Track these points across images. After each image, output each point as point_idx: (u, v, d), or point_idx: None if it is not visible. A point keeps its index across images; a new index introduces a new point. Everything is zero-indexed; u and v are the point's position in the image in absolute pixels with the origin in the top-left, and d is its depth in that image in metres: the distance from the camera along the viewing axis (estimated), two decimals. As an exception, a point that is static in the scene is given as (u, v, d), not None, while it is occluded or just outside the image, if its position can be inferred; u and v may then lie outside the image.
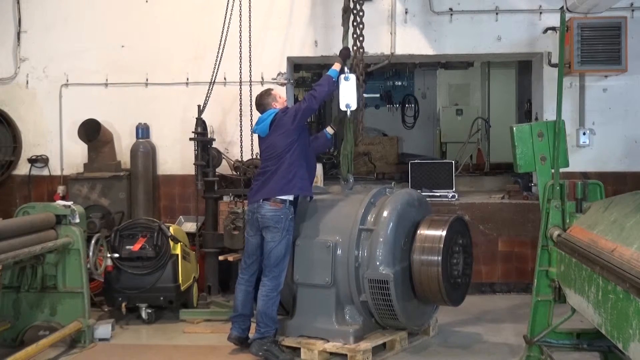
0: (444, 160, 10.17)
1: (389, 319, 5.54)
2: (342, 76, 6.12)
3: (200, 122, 7.09)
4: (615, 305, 3.35)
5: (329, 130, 6.17)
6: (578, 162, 7.23)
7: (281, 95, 6.06)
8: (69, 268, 5.94)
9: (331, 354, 5.51)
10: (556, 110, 4.87)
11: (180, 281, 6.66)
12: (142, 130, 7.93)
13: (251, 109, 7.08)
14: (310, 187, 5.83)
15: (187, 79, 8.04)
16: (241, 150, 7.08)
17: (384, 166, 10.84)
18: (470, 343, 5.97)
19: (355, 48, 6.33)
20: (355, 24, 6.36)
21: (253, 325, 5.68)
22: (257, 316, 5.57)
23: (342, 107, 6.15)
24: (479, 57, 9.20)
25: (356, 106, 6.12)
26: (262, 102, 5.91)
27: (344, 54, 6.13)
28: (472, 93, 14.89)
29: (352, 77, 6.05)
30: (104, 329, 6.10)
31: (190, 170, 7.36)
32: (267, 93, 5.95)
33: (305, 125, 5.94)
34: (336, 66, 5.96)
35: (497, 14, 7.83)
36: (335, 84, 5.94)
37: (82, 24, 8.18)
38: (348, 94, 6.09)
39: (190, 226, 7.53)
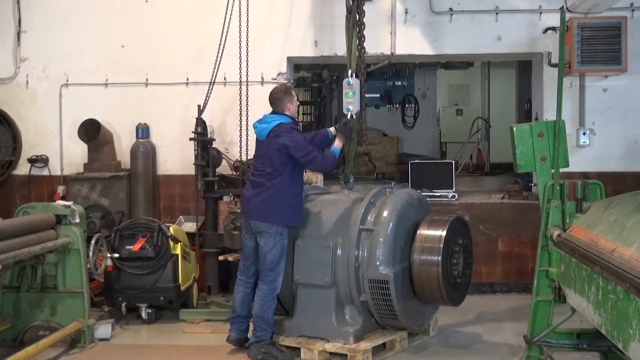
0: (444, 160, 10.17)
1: (389, 319, 5.54)
2: (345, 80, 6.11)
3: (200, 122, 7.09)
4: (615, 305, 3.35)
5: (332, 130, 6.02)
6: (578, 162, 7.23)
7: (297, 99, 5.78)
8: (69, 268, 5.94)
9: (331, 354, 5.50)
10: (556, 110, 4.88)
11: (180, 281, 6.66)
12: (142, 130, 7.92)
13: (249, 108, 7.14)
14: (296, 215, 5.55)
15: (187, 79, 8.04)
16: (240, 150, 7.11)
17: (384, 166, 10.83)
18: (470, 343, 5.97)
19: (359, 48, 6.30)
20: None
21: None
22: (253, 320, 5.54)
23: (344, 111, 6.12)
24: (479, 57, 9.21)
25: (358, 110, 6.08)
26: (279, 97, 5.60)
27: (347, 133, 5.78)
28: (472, 93, 14.90)
29: (355, 82, 6.03)
30: (104, 329, 6.10)
31: (190, 170, 7.36)
32: (287, 91, 5.66)
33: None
34: (338, 144, 5.66)
35: (497, 14, 7.83)
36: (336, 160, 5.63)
37: (82, 24, 8.18)
38: (351, 98, 6.06)
39: (190, 226, 7.53)
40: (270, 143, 5.46)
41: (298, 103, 5.89)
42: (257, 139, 5.70)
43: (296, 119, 5.76)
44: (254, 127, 5.68)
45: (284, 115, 5.58)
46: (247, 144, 7.01)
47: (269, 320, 5.49)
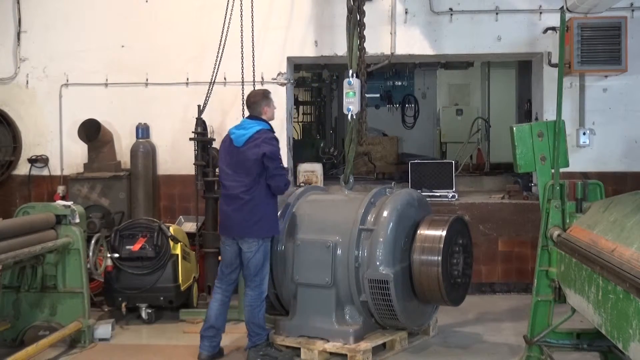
0: (444, 160, 10.17)
1: (389, 319, 5.54)
2: (346, 80, 6.10)
3: (200, 122, 7.09)
4: (615, 305, 3.35)
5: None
6: (578, 162, 7.22)
7: (274, 104, 5.69)
8: (69, 268, 5.94)
9: (331, 354, 5.51)
10: (556, 110, 4.88)
11: (180, 281, 6.67)
12: (142, 130, 7.93)
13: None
14: (277, 225, 5.53)
15: (187, 79, 8.03)
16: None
17: (384, 166, 10.85)
18: (470, 343, 5.97)
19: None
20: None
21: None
22: (246, 326, 5.48)
23: (345, 111, 6.12)
24: (479, 57, 9.20)
25: (358, 110, 6.08)
26: (255, 100, 5.52)
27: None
28: (472, 93, 14.90)
29: (356, 82, 6.01)
30: (104, 329, 6.10)
31: (190, 170, 7.35)
32: (264, 95, 5.57)
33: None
34: None
35: (497, 14, 7.83)
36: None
37: (82, 24, 8.17)
38: (351, 98, 6.06)
39: (190, 226, 7.53)
40: (248, 153, 5.31)
41: (275, 108, 5.73)
42: (227, 145, 5.50)
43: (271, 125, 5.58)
44: (231, 133, 5.49)
45: (262, 120, 5.47)
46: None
47: (261, 324, 5.44)
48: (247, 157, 5.33)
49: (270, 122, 5.56)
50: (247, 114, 7.04)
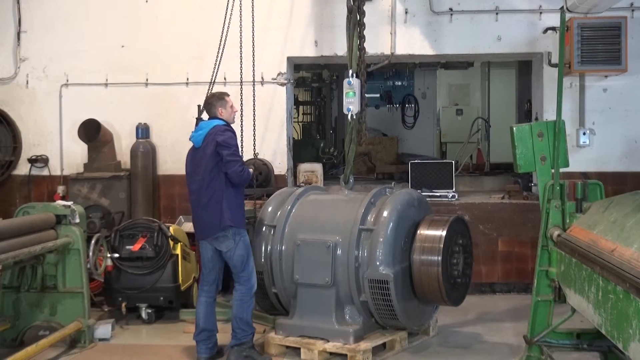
0: (444, 160, 10.18)
1: (389, 319, 5.54)
2: (345, 80, 6.10)
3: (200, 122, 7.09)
4: (615, 305, 3.35)
5: (250, 170, 5.70)
6: (578, 162, 7.23)
7: (233, 105, 5.63)
8: (69, 268, 5.94)
9: (331, 354, 5.51)
10: (556, 110, 4.88)
11: (180, 281, 6.67)
12: (142, 130, 7.93)
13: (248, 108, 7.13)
14: (242, 217, 5.48)
15: (187, 79, 8.04)
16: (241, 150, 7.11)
17: (384, 166, 10.84)
18: (470, 343, 5.97)
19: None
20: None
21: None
22: (232, 321, 5.43)
23: (345, 111, 6.12)
24: (479, 57, 9.21)
25: (358, 110, 6.08)
26: (210, 102, 5.54)
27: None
28: (472, 93, 14.91)
29: (356, 82, 6.01)
30: (104, 329, 6.10)
31: (190, 170, 7.35)
32: (220, 96, 5.55)
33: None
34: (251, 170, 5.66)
35: (497, 14, 7.84)
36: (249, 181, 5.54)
37: (82, 24, 8.19)
38: (351, 99, 6.06)
39: (190, 226, 7.51)
40: (207, 149, 5.31)
41: (236, 110, 5.69)
42: (190, 150, 5.52)
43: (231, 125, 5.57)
44: (191, 137, 5.51)
45: (218, 119, 5.48)
46: (253, 143, 7.00)
47: (248, 321, 5.42)
48: (205, 153, 5.32)
49: (230, 123, 5.54)
50: (245, 114, 7.13)
